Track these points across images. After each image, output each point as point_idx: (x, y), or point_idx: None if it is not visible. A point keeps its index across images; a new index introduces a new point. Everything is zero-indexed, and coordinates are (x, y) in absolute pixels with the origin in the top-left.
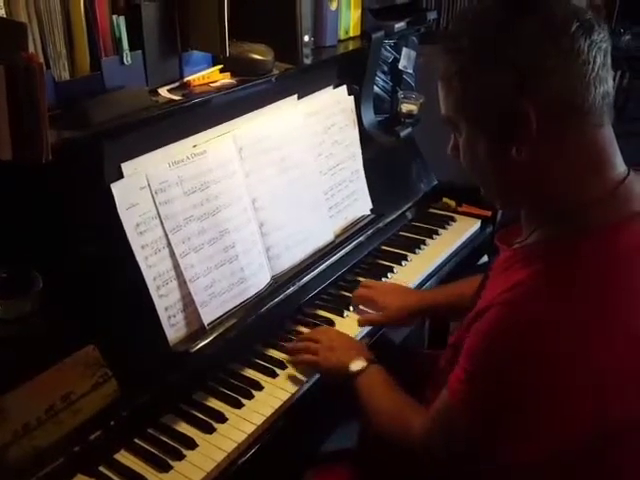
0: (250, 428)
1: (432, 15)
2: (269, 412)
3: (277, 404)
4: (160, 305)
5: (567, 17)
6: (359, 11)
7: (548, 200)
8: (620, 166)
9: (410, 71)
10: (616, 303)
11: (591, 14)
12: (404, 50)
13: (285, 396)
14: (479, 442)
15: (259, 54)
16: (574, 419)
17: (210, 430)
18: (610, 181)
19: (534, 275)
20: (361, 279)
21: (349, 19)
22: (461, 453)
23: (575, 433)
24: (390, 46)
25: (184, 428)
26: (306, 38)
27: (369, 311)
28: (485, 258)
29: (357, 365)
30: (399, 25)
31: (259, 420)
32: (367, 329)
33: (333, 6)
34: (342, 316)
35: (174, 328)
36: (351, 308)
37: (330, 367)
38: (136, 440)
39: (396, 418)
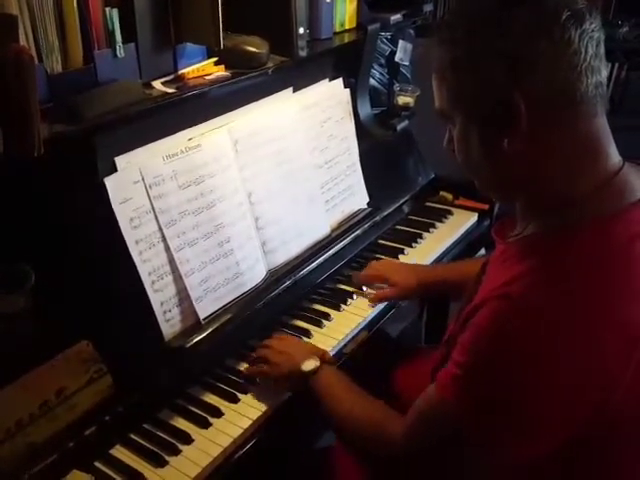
0: (246, 423)
1: (428, 7)
2: (265, 407)
3: (273, 398)
4: (155, 300)
5: (558, 6)
6: (355, 3)
7: (543, 192)
8: (615, 157)
9: (407, 63)
10: (613, 294)
11: (583, 3)
12: (400, 42)
13: (282, 391)
14: (471, 439)
15: (254, 46)
16: (574, 413)
17: (206, 425)
18: (605, 172)
19: (530, 269)
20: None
21: (344, 11)
22: (449, 452)
23: (574, 428)
24: (386, 39)
25: (180, 423)
26: (301, 30)
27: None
28: (482, 251)
29: (309, 365)
30: (395, 17)
31: (255, 415)
32: (365, 322)
33: None
34: (339, 310)
35: (169, 323)
36: (364, 288)
37: (282, 372)
38: (132, 435)
39: (365, 422)
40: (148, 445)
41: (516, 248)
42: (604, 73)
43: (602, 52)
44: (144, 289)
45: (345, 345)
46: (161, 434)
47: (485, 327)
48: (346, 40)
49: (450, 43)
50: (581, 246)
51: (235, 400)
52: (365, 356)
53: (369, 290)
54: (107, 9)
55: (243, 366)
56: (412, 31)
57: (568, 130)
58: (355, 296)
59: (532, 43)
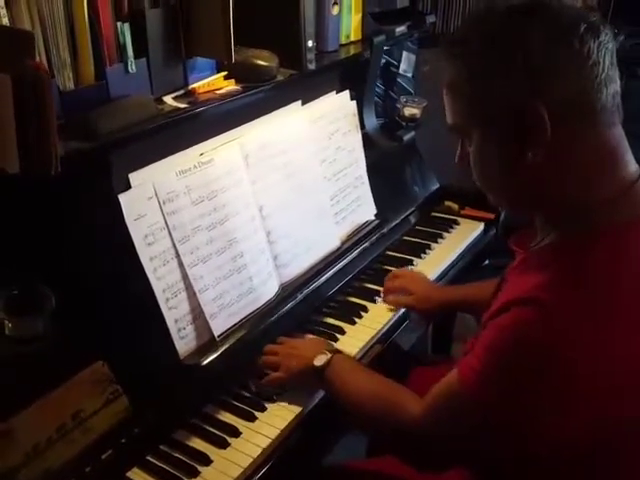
0: (265, 442)
1: (431, 19)
2: (283, 425)
3: (290, 416)
4: (170, 317)
5: (574, 20)
6: (359, 16)
7: (563, 201)
8: (632, 164)
9: (410, 75)
10: (630, 303)
11: (595, 16)
12: (404, 54)
13: (298, 408)
14: (487, 433)
15: (264, 60)
16: (589, 417)
17: (224, 445)
18: (623, 180)
19: (555, 275)
20: (369, 285)
21: (350, 24)
22: (463, 441)
23: (590, 431)
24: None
25: (197, 444)
26: (310, 43)
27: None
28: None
29: (320, 359)
30: (400, 29)
31: (273, 433)
32: (379, 334)
33: (335, 11)
34: (352, 324)
35: (184, 341)
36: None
37: (295, 373)
38: (148, 457)
39: (383, 401)
40: (166, 467)
41: (538, 256)
42: (618, 82)
43: (616, 62)
44: (159, 306)
45: (361, 359)
46: (179, 455)
47: (510, 329)
48: (352, 52)
49: (465, 57)
50: (605, 252)
51: (252, 419)
52: (380, 368)
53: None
54: (119, 24)
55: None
56: (410, 43)
57: (589, 139)
58: (368, 308)
59: (552, 54)
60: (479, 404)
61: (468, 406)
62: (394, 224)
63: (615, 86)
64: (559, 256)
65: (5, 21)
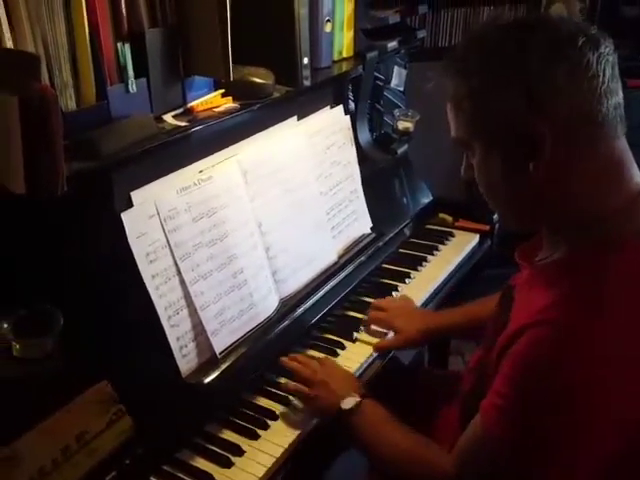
0: (269, 461)
1: (421, 34)
2: (287, 442)
3: (294, 434)
4: (172, 335)
5: (573, 33)
6: (352, 32)
7: (568, 215)
8: (637, 176)
9: (401, 89)
10: None
11: (596, 28)
12: (396, 69)
13: (302, 425)
14: (520, 470)
15: (260, 77)
16: (617, 433)
17: (228, 464)
18: (629, 191)
19: (567, 292)
20: (366, 299)
21: (342, 40)
22: None
23: (618, 447)
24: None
25: (201, 463)
26: (305, 60)
27: (382, 330)
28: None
29: (348, 403)
30: (392, 44)
31: (278, 451)
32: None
33: (328, 28)
34: (352, 338)
35: (186, 359)
36: (362, 328)
37: (322, 404)
38: (152, 478)
39: (415, 458)
40: None
41: (547, 272)
42: (621, 94)
43: (617, 74)
44: (161, 324)
45: (361, 375)
46: (183, 476)
47: (526, 355)
48: (344, 68)
49: (467, 73)
50: (617, 265)
51: (256, 437)
52: (381, 383)
53: (374, 327)
54: (119, 44)
55: (261, 401)
56: (398, 58)
57: (591, 152)
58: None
59: (550, 69)
60: (506, 442)
61: (497, 448)
62: (389, 237)
63: (617, 98)
64: (572, 271)
65: (9, 44)
